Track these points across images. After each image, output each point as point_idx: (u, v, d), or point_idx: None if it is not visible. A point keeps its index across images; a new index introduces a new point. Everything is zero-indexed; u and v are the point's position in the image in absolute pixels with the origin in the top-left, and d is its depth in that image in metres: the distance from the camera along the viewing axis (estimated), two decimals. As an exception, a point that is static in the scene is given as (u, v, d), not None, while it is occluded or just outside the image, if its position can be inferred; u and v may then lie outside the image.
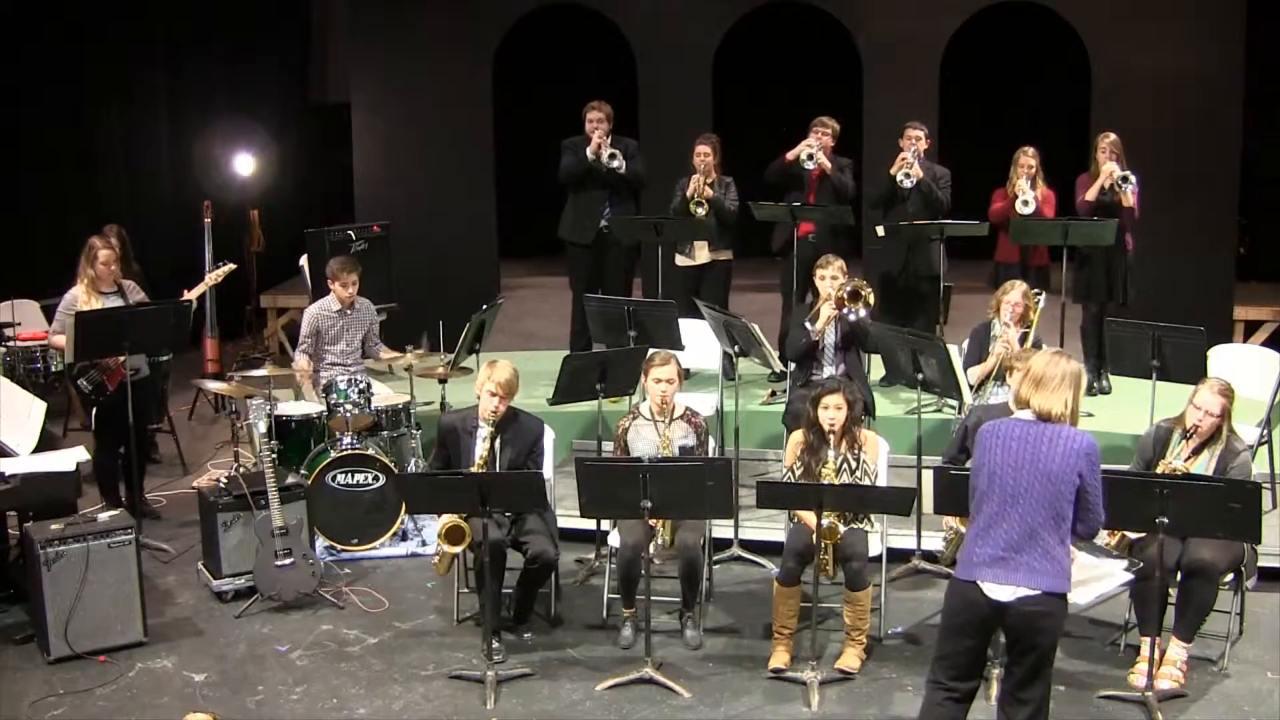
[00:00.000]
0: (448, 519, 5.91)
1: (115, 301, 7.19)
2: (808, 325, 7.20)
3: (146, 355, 7.41)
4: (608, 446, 6.73)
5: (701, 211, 8.35)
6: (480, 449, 6.06)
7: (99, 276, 7.15)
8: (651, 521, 5.73)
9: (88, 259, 7.15)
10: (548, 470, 6.38)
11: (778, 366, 7.25)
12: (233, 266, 7.93)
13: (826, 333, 7.22)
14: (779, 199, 8.44)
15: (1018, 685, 4.57)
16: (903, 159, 8.31)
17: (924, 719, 4.73)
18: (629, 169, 8.63)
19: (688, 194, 8.40)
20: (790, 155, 8.47)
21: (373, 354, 7.80)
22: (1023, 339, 7.07)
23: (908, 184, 8.29)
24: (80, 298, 7.12)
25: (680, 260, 8.59)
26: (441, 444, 6.30)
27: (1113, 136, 8.14)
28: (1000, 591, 4.42)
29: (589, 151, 8.59)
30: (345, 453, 7.10)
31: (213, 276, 7.81)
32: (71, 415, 8.58)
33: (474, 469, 6.02)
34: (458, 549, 5.94)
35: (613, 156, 8.56)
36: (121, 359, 6.94)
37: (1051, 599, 4.42)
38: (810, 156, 8.40)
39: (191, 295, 7.65)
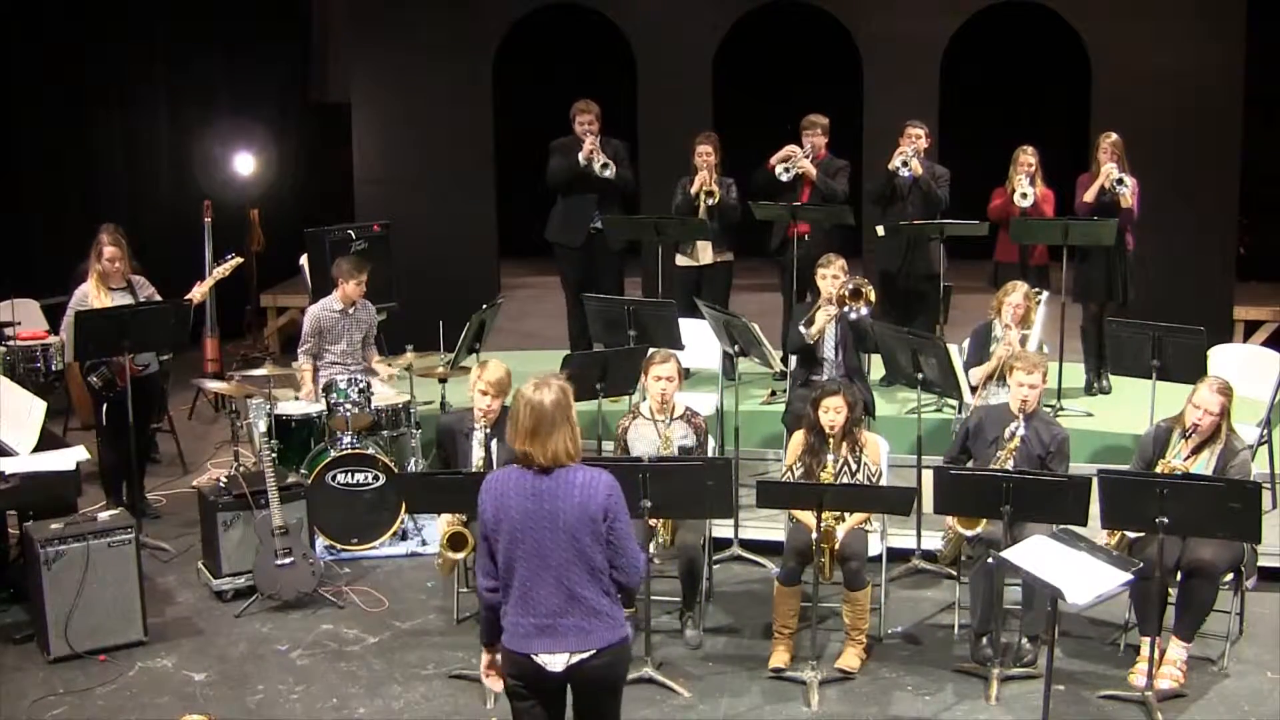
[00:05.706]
0: (449, 526, 5.91)
1: (125, 297, 7.18)
2: (802, 329, 7.20)
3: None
4: (608, 446, 6.72)
5: (711, 201, 8.30)
6: (478, 453, 6.04)
7: (106, 273, 7.14)
8: (651, 521, 5.73)
9: (95, 254, 7.14)
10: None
11: (778, 366, 7.24)
12: (240, 260, 7.92)
13: (827, 333, 7.22)
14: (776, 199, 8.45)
15: None
16: (901, 152, 8.30)
17: None
18: (618, 174, 8.59)
19: (693, 190, 8.34)
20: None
21: (365, 357, 7.79)
22: (1023, 340, 7.07)
23: (905, 173, 8.25)
24: (91, 293, 7.11)
25: (681, 260, 8.57)
26: (440, 445, 6.32)
27: (1114, 136, 8.11)
28: (554, 661, 4.04)
29: (580, 157, 8.53)
30: (345, 452, 7.10)
31: (220, 270, 7.80)
32: (71, 415, 8.57)
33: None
34: (460, 555, 5.92)
35: (605, 166, 8.51)
36: (132, 355, 6.94)
37: (608, 651, 4.08)
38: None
39: (200, 290, 7.65)
